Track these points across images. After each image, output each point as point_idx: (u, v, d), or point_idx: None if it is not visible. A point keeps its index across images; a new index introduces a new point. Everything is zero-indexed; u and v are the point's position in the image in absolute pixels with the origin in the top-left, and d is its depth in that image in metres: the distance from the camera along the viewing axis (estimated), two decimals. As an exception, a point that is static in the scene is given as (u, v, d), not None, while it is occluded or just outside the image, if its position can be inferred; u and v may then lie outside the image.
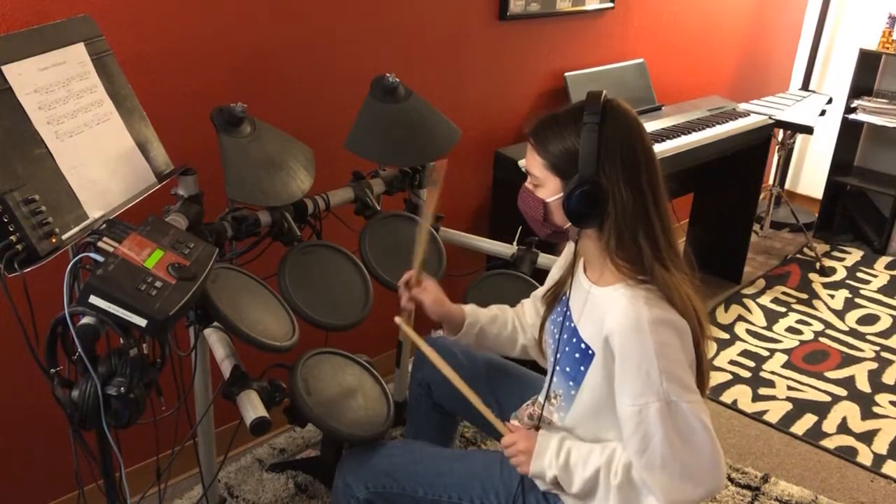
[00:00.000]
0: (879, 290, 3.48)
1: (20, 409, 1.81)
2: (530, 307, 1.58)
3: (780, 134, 3.78)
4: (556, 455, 1.27)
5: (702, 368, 1.23)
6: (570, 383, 1.30)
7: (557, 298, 1.41)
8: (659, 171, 1.24)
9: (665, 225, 1.23)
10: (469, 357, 1.64)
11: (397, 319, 1.49)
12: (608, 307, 1.21)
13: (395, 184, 1.98)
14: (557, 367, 1.34)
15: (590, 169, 1.18)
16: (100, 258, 1.14)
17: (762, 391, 2.68)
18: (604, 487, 1.22)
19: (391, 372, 2.39)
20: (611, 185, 1.19)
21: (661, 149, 2.71)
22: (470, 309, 1.55)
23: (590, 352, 1.25)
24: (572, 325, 1.31)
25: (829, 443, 2.42)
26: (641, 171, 1.21)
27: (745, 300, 3.32)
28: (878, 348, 2.99)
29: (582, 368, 1.27)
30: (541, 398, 1.42)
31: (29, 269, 1.12)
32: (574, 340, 1.29)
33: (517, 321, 1.57)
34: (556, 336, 1.35)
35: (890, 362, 2.89)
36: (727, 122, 3.07)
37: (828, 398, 2.65)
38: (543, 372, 1.49)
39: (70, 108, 1.29)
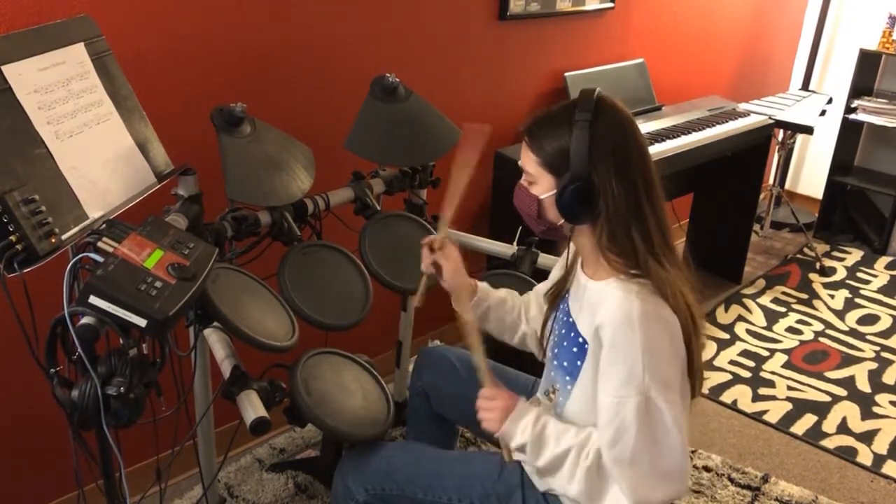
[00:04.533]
0: (879, 290, 3.48)
1: (20, 409, 1.81)
2: (534, 299, 1.59)
3: (780, 134, 3.77)
4: (533, 424, 1.27)
5: (693, 368, 1.23)
6: (567, 378, 1.31)
7: (559, 296, 1.42)
8: (653, 168, 1.24)
9: (660, 221, 1.23)
10: (463, 362, 1.64)
11: (423, 267, 1.49)
12: (601, 300, 1.22)
13: (395, 184, 1.98)
14: (556, 362, 1.34)
15: (581, 166, 1.19)
16: (100, 258, 1.14)
17: (762, 391, 2.68)
18: (571, 467, 1.23)
19: (391, 372, 2.39)
20: (602, 182, 1.19)
21: (661, 149, 2.71)
22: (483, 286, 1.56)
23: (586, 346, 1.25)
24: (571, 320, 1.32)
25: (829, 443, 2.42)
26: (634, 167, 1.21)
27: (745, 300, 3.32)
28: (878, 348, 2.99)
29: (579, 363, 1.27)
30: (538, 394, 1.42)
31: (29, 269, 1.12)
32: (572, 335, 1.30)
33: (523, 309, 1.57)
34: (557, 332, 1.36)
35: (890, 362, 2.89)
36: (727, 122, 3.07)
37: (828, 398, 2.65)
38: (537, 374, 1.50)
39: (70, 108, 1.29)
